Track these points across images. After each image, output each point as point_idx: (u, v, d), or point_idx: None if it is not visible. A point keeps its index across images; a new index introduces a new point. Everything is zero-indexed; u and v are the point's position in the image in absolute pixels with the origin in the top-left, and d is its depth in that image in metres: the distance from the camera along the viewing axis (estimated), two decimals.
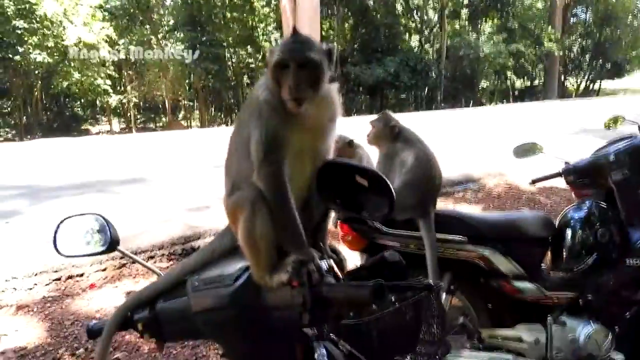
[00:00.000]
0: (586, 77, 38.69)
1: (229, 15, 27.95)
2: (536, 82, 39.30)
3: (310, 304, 1.26)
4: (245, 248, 1.36)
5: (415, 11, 34.34)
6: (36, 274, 4.51)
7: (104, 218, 1.71)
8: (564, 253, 2.85)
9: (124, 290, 4.30)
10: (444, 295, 2.63)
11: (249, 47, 30.19)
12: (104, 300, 4.16)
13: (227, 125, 28.92)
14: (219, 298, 1.36)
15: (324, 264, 1.36)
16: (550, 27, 32.51)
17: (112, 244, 1.67)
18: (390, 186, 1.26)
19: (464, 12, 34.58)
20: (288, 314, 1.31)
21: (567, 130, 12.32)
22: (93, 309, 4.04)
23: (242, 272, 1.39)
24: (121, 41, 23.94)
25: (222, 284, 1.37)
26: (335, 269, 1.44)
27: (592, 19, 36.98)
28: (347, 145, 2.95)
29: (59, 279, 4.49)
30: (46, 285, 4.42)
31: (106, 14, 24.12)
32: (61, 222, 1.72)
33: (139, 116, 30.29)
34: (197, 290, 1.40)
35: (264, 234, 1.33)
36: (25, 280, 4.43)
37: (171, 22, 27.97)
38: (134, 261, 1.75)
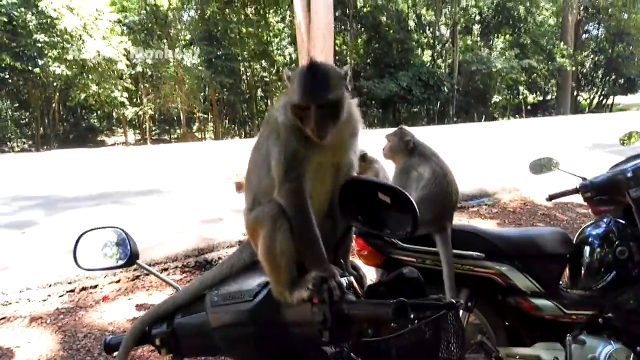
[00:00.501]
0: (599, 93, 38.48)
1: (244, 30, 28.20)
2: (549, 97, 39.14)
3: (330, 321, 1.24)
4: (265, 264, 1.35)
5: (427, 27, 34.46)
6: (50, 285, 4.53)
7: (124, 231, 1.72)
8: (583, 270, 2.82)
9: (137, 303, 4.30)
10: (461, 313, 2.60)
11: (263, 61, 30.43)
12: (117, 312, 4.17)
13: (240, 137, 29.09)
14: (238, 314, 1.35)
15: (344, 281, 1.35)
16: (562, 43, 32.50)
17: (131, 258, 1.68)
18: (414, 203, 1.25)
19: (476, 28, 34.66)
20: (308, 331, 1.29)
21: (581, 146, 12.22)
22: (106, 321, 4.04)
23: (261, 288, 1.38)
24: (138, 55, 24.23)
25: (241, 299, 1.37)
26: (356, 285, 1.43)
27: (604, 35, 36.84)
28: (361, 159, 2.95)
29: (72, 291, 4.51)
30: (60, 296, 4.44)
31: (125, 28, 24.46)
32: (81, 235, 1.73)
33: (154, 128, 30.54)
34: (216, 306, 1.39)
35: (285, 250, 1.33)
36: (39, 291, 4.45)
37: (188, 36, 28.26)
38: (153, 275, 1.75)
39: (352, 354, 1.44)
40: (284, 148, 1.35)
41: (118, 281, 4.67)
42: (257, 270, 1.48)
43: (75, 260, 1.69)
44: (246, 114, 32.68)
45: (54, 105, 24.71)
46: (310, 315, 1.27)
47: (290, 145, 1.35)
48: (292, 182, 1.34)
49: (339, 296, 1.27)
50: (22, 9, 19.36)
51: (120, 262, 1.69)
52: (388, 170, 2.90)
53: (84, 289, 4.54)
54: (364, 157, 2.95)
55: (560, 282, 2.84)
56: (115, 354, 1.50)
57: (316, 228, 1.36)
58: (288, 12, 28.34)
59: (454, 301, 1.38)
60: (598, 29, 37.68)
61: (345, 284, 1.34)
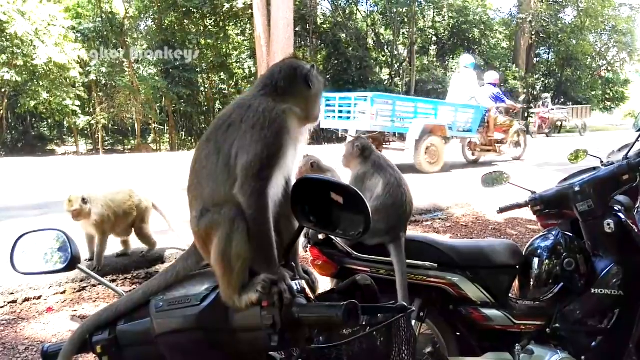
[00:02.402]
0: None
1: (203, 41, 28.03)
2: None
3: (280, 325, 1.21)
4: (218, 267, 1.31)
5: (386, 46, 35.07)
6: None
7: (65, 234, 1.63)
8: (532, 282, 2.89)
9: (83, 314, 4.13)
10: (413, 322, 2.61)
11: (222, 73, 30.29)
12: (62, 324, 3.99)
13: None
14: (184, 319, 1.30)
15: (295, 285, 1.33)
16: (514, 65, 33.59)
17: (72, 262, 1.59)
18: (367, 204, 1.24)
19: (433, 48, 35.50)
20: (257, 336, 1.25)
21: (530, 164, 12.60)
22: (49, 333, 3.87)
23: (209, 292, 1.33)
24: (93, 63, 23.70)
25: (187, 304, 1.32)
26: (307, 290, 1.40)
27: (554, 60, 38.35)
28: (310, 167, 2.97)
29: (14, 302, 4.31)
30: (0, 307, 4.23)
31: (79, 35, 23.92)
32: (20, 237, 1.64)
33: (107, 138, 29.83)
34: (160, 311, 1.34)
35: (240, 253, 1.29)
36: None
37: (145, 46, 27.87)
38: (95, 280, 1.68)
39: None
40: (275, 142, 1.34)
41: (64, 292, 4.49)
42: (204, 276, 1.44)
43: (12, 264, 1.59)
44: (203, 126, 32.27)
45: (1, 112, 23.81)
46: (259, 320, 1.24)
47: (281, 143, 1.35)
48: (262, 181, 1.32)
49: (289, 299, 1.24)
50: None
51: (61, 266, 1.60)
52: (344, 180, 2.90)
53: (26, 299, 4.35)
54: (312, 165, 2.97)
55: (510, 293, 2.89)
56: None
57: (272, 230, 1.33)
58: (248, 26, 28.37)
59: (406, 304, 1.38)
60: (548, 54, 39.20)
61: (296, 288, 1.31)
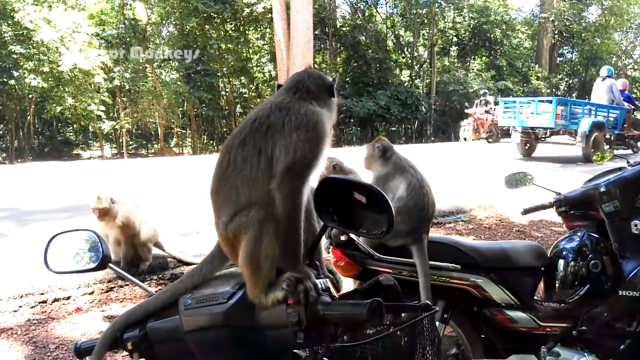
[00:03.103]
0: None
1: (223, 46, 28.27)
2: None
3: (305, 322, 1.23)
4: (246, 268, 1.33)
5: (405, 47, 34.95)
6: (22, 296, 4.44)
7: (96, 234, 1.68)
8: (557, 283, 2.86)
9: (110, 315, 4.22)
10: (437, 324, 2.60)
11: (242, 77, 30.50)
12: (90, 324, 4.08)
13: (218, 153, 28.94)
14: (212, 316, 1.33)
15: (320, 283, 1.35)
16: (537, 65, 33.23)
17: (103, 261, 1.64)
18: (390, 203, 1.25)
19: (453, 49, 35.28)
20: (282, 333, 1.28)
21: (554, 165, 12.45)
22: (78, 333, 3.95)
23: (236, 290, 1.36)
24: (116, 69, 24.08)
25: (215, 302, 1.34)
26: (332, 289, 1.42)
27: (578, 59, 37.81)
28: (332, 169, 2.98)
29: (44, 302, 4.42)
30: (31, 307, 4.34)
31: (103, 41, 24.31)
32: (52, 237, 1.69)
33: (130, 142, 30.26)
34: (189, 309, 1.37)
35: (269, 254, 1.32)
36: (10, 302, 4.35)
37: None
38: (125, 278, 1.72)
39: (325, 359, 1.43)
40: (320, 143, 1.39)
41: (91, 293, 4.59)
42: (230, 275, 1.47)
43: (46, 263, 1.65)
44: (225, 129, 32.57)
45: (29, 117, 24.33)
46: (285, 317, 1.26)
47: (324, 144, 1.41)
48: (301, 179, 1.35)
49: (314, 297, 1.26)
50: None
51: (92, 265, 1.65)
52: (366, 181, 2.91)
53: (56, 300, 4.45)
54: (335, 167, 2.98)
55: (535, 295, 2.87)
56: (86, 358, 1.47)
57: (302, 229, 1.36)
58: (268, 30, 28.54)
59: (429, 303, 1.38)
60: (572, 53, 38.68)
61: (321, 287, 1.33)
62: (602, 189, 2.85)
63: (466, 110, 22.68)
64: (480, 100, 22.35)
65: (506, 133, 21.65)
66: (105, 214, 4.68)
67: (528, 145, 15.37)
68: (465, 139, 21.77)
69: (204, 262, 1.51)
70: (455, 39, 34.40)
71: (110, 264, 1.66)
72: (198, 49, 26.84)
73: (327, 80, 1.55)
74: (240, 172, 1.39)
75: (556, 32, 34.19)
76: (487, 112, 21.61)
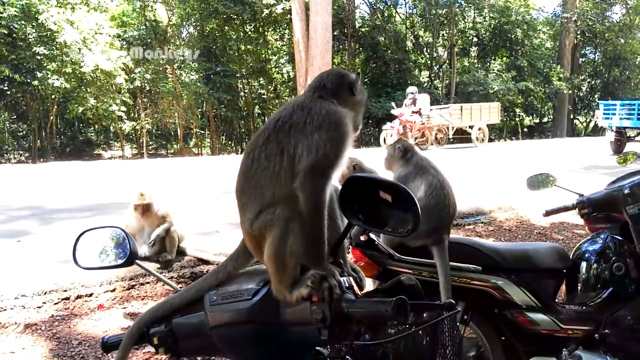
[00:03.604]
0: (595, 116, 38.72)
1: (242, 47, 28.47)
2: (545, 119, 39.39)
3: (329, 319, 1.24)
4: (271, 265, 1.35)
5: (425, 48, 34.84)
6: (45, 293, 4.52)
7: (124, 231, 1.72)
8: (579, 286, 2.83)
9: (132, 312, 4.28)
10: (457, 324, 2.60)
11: (261, 78, 30.67)
12: (112, 321, 4.14)
13: (237, 153, 29.10)
14: (237, 312, 1.35)
15: (344, 281, 1.36)
16: (559, 66, 32.87)
17: (130, 257, 1.67)
18: (416, 201, 1.25)
19: (474, 49, 35.07)
20: (306, 329, 1.29)
21: (577, 167, 12.29)
22: (100, 329, 4.02)
23: (260, 287, 1.38)
24: (137, 70, 24.38)
25: (240, 298, 1.36)
26: (355, 287, 1.43)
27: (601, 59, 37.29)
28: (352, 169, 2.99)
29: (67, 299, 4.49)
30: (55, 304, 4.42)
31: (124, 43, 24.63)
32: (81, 234, 1.72)
33: (150, 142, 30.62)
34: (214, 305, 1.39)
35: (294, 251, 1.33)
36: (34, 298, 4.43)
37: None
38: (152, 274, 1.75)
39: (348, 357, 1.44)
40: (342, 143, 1.40)
41: (113, 290, 4.65)
42: (255, 272, 1.49)
43: (75, 259, 1.68)
44: (243, 130, 32.85)
45: (51, 118, 24.76)
46: (309, 314, 1.27)
47: (346, 143, 1.41)
48: (323, 178, 1.36)
49: (338, 294, 1.27)
50: (23, 22, 19.48)
51: (120, 262, 1.69)
52: None
53: (79, 297, 4.52)
54: (355, 167, 2.99)
55: (557, 298, 2.84)
56: (113, 353, 1.50)
57: (326, 227, 1.37)
58: (287, 31, 28.65)
59: (453, 302, 1.39)
60: (595, 53, 38.18)
61: (345, 284, 1.34)
62: (627, 191, 2.81)
63: (392, 111, 19.71)
64: (409, 99, 19.50)
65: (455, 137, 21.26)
66: (147, 209, 5.03)
67: (619, 143, 16.09)
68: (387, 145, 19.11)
69: (229, 260, 1.53)
70: (475, 39, 34.20)
71: (137, 261, 1.69)
72: (217, 50, 27.08)
73: (348, 78, 1.54)
74: (264, 170, 1.40)
75: (578, 32, 33.78)
76: (416, 112, 18.88)
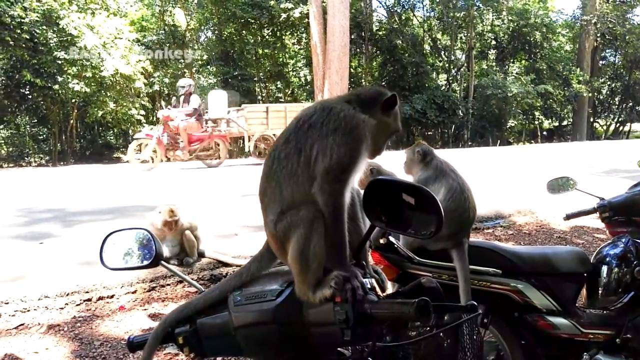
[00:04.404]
0: (615, 120, 38.36)
1: (260, 51, 28.63)
2: (565, 122, 39.00)
3: (352, 320, 1.26)
4: (295, 266, 1.37)
5: (442, 51, 34.73)
6: (68, 294, 4.58)
7: (150, 233, 1.75)
8: (600, 290, 2.81)
9: (153, 313, 4.33)
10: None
11: (278, 82, 30.82)
12: (133, 322, 4.20)
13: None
14: (261, 313, 1.37)
15: (366, 282, 1.38)
16: (578, 69, 32.53)
17: (156, 259, 1.71)
18: (439, 203, 1.27)
19: (492, 52, 34.85)
20: (329, 330, 1.31)
21: (597, 170, 12.15)
22: (122, 330, 4.07)
23: (284, 287, 1.40)
24: (156, 74, 24.64)
25: (264, 299, 1.39)
26: (377, 288, 1.44)
27: (622, 62, 36.85)
28: (370, 173, 2.99)
29: (89, 300, 4.56)
30: (77, 305, 4.48)
31: (143, 47, 24.91)
32: (108, 235, 1.76)
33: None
34: (239, 305, 1.41)
35: (318, 252, 1.35)
36: (57, 299, 4.50)
37: (205, 57, 28.74)
38: (177, 275, 1.78)
39: (369, 358, 1.45)
40: (356, 148, 1.40)
41: (134, 292, 4.71)
42: (278, 273, 1.51)
43: (102, 260, 1.72)
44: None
45: (71, 121, 25.06)
46: (333, 315, 1.29)
47: (361, 149, 1.41)
48: (341, 183, 1.37)
49: (361, 295, 1.28)
50: (44, 27, 19.78)
51: (146, 262, 1.72)
52: None
53: (100, 298, 4.59)
54: (372, 171, 3.00)
55: (578, 302, 2.83)
56: (139, 352, 1.53)
57: (346, 230, 1.38)
58: (304, 34, 28.75)
59: (475, 304, 1.40)
60: (615, 56, 37.76)
61: (367, 286, 1.36)
62: None
63: (158, 113, 15.82)
64: (181, 96, 14.57)
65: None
66: (176, 224, 5.15)
67: None
68: (142, 160, 14.16)
69: (253, 261, 1.55)
70: (493, 42, 33.99)
71: (163, 262, 1.73)
72: (235, 54, 27.25)
73: (383, 94, 1.52)
74: (283, 170, 1.42)
75: (598, 35, 33.41)
76: (190, 115, 14.30)
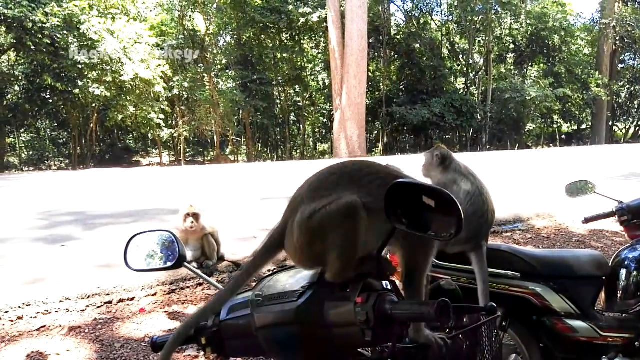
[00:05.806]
0: (635, 123, 37.84)
1: (279, 55, 28.78)
2: (583, 126, 38.58)
3: (373, 321, 1.27)
4: (336, 252, 1.39)
5: (461, 55, 34.58)
6: (89, 297, 4.66)
7: (173, 235, 1.78)
8: (619, 293, 2.79)
9: (173, 316, 4.38)
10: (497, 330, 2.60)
11: (297, 86, 30.95)
12: (154, 324, 4.25)
13: (272, 160, 29.40)
14: (283, 314, 1.39)
15: (386, 284, 1.39)
16: (597, 72, 32.19)
17: (180, 260, 1.73)
18: (459, 206, 1.28)
19: (510, 56, 34.62)
20: (350, 331, 1.31)
21: (617, 174, 12.00)
22: (142, 332, 4.12)
23: (305, 289, 1.42)
24: (175, 78, 24.89)
25: (286, 300, 1.40)
26: (400, 290, 1.46)
27: None
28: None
29: (110, 302, 4.62)
30: (98, 307, 4.55)
31: (162, 52, 25.17)
32: (132, 237, 1.79)
33: (188, 150, 31.16)
34: (260, 306, 1.44)
35: (357, 241, 1.38)
36: (78, 302, 4.57)
37: (224, 61, 28.98)
38: (200, 277, 1.82)
39: (389, 359, 1.47)
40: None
41: (154, 294, 4.77)
42: (299, 275, 1.53)
43: (126, 262, 1.75)
44: (279, 137, 33.18)
45: (91, 125, 25.44)
46: (354, 315, 1.31)
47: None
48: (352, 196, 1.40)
49: (382, 296, 1.30)
50: (65, 32, 20.07)
51: (169, 264, 1.75)
52: None
53: (121, 300, 4.65)
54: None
55: (596, 305, 2.81)
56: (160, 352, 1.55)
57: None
58: (323, 39, 28.84)
59: (495, 305, 1.41)
60: (634, 59, 37.26)
61: (387, 286, 1.38)
62: None
63: None
64: None
65: None
66: (197, 218, 5.23)
67: None
68: None
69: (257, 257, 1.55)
70: (512, 46, 33.78)
71: (186, 263, 1.76)
72: (254, 58, 27.43)
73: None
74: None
75: (617, 38, 33.00)
76: None
